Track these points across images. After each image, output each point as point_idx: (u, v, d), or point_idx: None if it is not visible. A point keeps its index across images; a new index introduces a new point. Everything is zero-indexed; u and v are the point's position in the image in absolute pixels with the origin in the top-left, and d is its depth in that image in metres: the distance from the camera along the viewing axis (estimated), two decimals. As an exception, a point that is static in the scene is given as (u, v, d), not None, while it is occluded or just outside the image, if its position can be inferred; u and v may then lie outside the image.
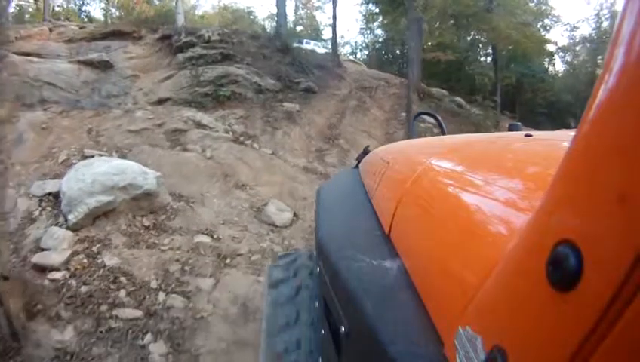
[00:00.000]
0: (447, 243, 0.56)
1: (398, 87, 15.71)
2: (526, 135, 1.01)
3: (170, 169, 5.61)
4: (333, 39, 21.40)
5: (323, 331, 0.98)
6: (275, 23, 16.91)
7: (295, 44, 16.53)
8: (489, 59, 22.16)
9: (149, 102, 9.40)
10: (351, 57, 27.59)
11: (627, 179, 0.23)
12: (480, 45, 21.76)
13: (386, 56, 32.79)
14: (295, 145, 8.71)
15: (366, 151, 1.90)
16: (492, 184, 0.62)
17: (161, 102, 9.64)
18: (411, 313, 0.56)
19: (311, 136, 9.88)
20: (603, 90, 0.26)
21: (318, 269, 1.03)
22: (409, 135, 2.00)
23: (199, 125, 8.17)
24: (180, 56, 12.15)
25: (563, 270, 0.27)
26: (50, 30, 12.24)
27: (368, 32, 36.67)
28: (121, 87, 9.85)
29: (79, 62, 9.69)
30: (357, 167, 1.78)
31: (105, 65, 9.98)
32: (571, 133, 0.27)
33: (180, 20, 16.54)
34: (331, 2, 18.87)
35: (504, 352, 0.32)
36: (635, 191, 0.23)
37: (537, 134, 1.01)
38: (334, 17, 19.92)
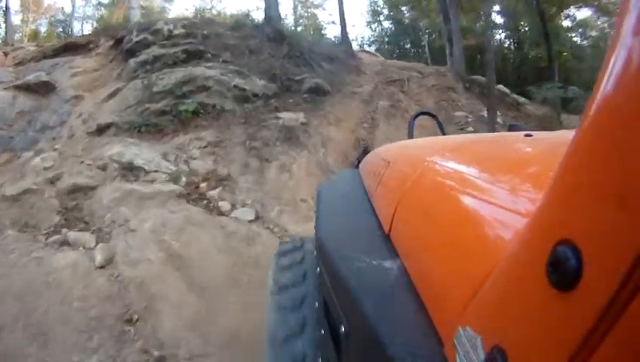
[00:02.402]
0: (447, 243, 0.58)
1: (435, 78, 12.54)
2: (526, 135, 1.03)
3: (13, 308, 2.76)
4: (342, 22, 17.12)
5: (323, 331, 0.98)
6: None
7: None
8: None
9: (88, 132, 7.10)
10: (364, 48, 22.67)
11: (627, 179, 0.24)
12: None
13: (400, 47, 32.05)
14: (301, 191, 5.64)
15: (366, 151, 1.93)
16: (492, 184, 0.62)
17: (101, 130, 7.17)
18: (411, 313, 0.57)
19: (328, 165, 6.69)
20: (603, 89, 0.27)
21: (318, 269, 1.06)
22: (409, 135, 2.30)
23: (127, 170, 5.42)
24: (132, 62, 9.38)
25: (563, 270, 0.27)
26: (6, 54, 10.55)
27: (376, 24, 35.03)
28: (60, 114, 7.57)
29: (15, 87, 7.58)
30: (357, 167, 1.81)
31: (45, 88, 7.93)
32: (571, 132, 0.32)
33: (135, 16, 14.14)
34: None
35: (504, 352, 0.34)
36: (635, 191, 0.24)
37: (537, 134, 1.04)
38: None
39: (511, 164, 0.74)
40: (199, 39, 9.67)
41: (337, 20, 18.05)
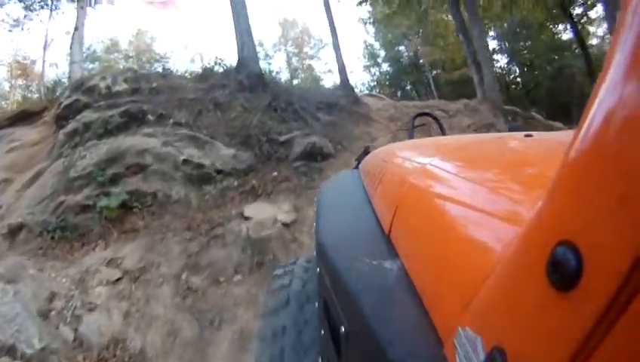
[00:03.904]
0: (446, 244, 0.61)
1: (467, 115, 10.60)
2: (526, 135, 1.12)
3: None
4: (339, 61, 14.52)
5: (323, 331, 1.05)
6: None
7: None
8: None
9: (1, 234, 5.57)
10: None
11: (627, 179, 0.25)
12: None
13: (402, 88, 31.79)
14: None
15: (366, 152, 1.99)
16: (492, 184, 0.69)
17: (13, 233, 5.56)
18: (411, 313, 0.60)
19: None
20: (603, 89, 0.28)
21: (318, 270, 1.14)
22: (409, 136, 2.49)
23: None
24: (61, 134, 7.48)
25: (563, 270, 0.28)
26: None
27: (374, 68, 35.37)
28: (-19, 207, 6.20)
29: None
30: (357, 167, 1.92)
31: (-27, 171, 6.61)
32: (571, 133, 0.34)
33: (76, 73, 11.39)
34: (329, 28, 14.89)
35: (504, 352, 0.35)
36: (635, 191, 0.24)
37: (537, 134, 1.11)
38: (333, 31, 14.51)
39: (511, 165, 0.80)
40: (145, 96, 7.73)
41: (334, 68, 15.76)
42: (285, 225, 4.69)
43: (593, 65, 16.48)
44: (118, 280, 4.41)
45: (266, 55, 35.90)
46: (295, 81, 27.76)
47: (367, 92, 22.48)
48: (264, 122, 7.42)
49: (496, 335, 0.37)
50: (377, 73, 34.83)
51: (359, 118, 9.33)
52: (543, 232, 0.33)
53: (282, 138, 7.12)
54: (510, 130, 2.01)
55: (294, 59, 38.22)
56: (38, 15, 17.18)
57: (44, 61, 18.80)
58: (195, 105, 7.61)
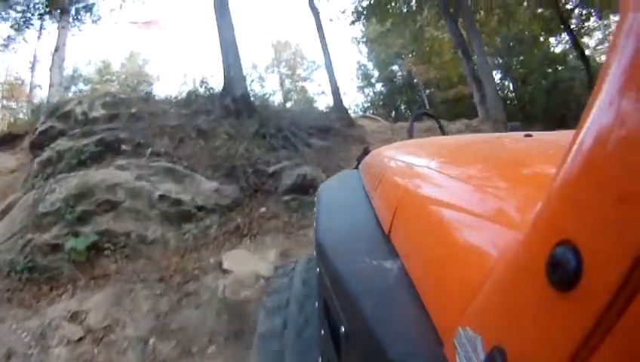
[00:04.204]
0: (446, 244, 0.62)
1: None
2: (526, 135, 1.13)
3: None
4: (332, 80, 14.40)
5: (323, 331, 1.07)
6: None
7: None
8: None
9: None
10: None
11: (627, 178, 0.26)
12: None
13: (397, 108, 31.81)
14: None
15: (366, 152, 2.06)
16: (492, 184, 0.71)
17: None
18: (411, 313, 0.61)
19: None
20: (603, 88, 0.29)
21: (318, 270, 1.17)
22: (408, 135, 2.48)
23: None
24: (35, 163, 6.93)
25: (563, 270, 0.29)
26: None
27: (368, 88, 35.50)
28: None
29: None
30: (357, 167, 2.00)
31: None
32: (571, 132, 0.34)
33: (54, 97, 11.03)
34: (322, 49, 14.89)
35: (504, 352, 0.35)
36: (635, 191, 0.25)
37: (537, 134, 1.12)
38: (326, 52, 14.47)
39: (511, 165, 0.82)
40: (124, 122, 7.06)
41: (327, 90, 15.23)
42: (269, 280, 4.03)
43: (594, 77, 16.55)
44: (80, 339, 3.91)
45: (260, 77, 37.31)
46: (288, 104, 28.59)
47: (361, 113, 22.46)
48: (251, 151, 6.97)
49: (496, 336, 0.38)
50: (371, 94, 35.77)
51: (354, 142, 9.00)
52: (542, 232, 0.34)
53: (271, 169, 6.64)
54: (510, 130, 1.97)
55: (287, 81, 39.22)
56: (23, 35, 16.84)
57: (31, 82, 18.41)
58: (176, 132, 7.32)
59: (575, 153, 0.31)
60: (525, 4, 18.24)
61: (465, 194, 0.69)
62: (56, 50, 14.39)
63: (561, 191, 0.32)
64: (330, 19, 25.54)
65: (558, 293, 0.29)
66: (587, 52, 23.53)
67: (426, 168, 0.93)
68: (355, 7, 17.62)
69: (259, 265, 4.64)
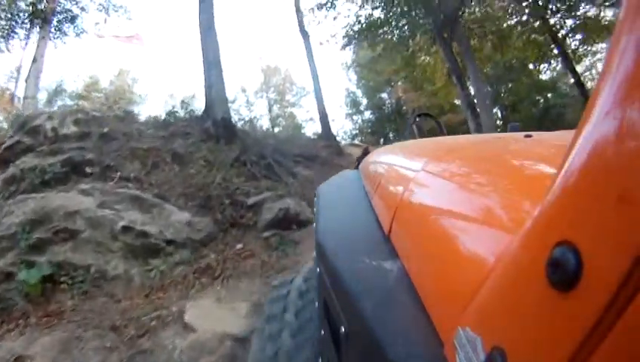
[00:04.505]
0: (446, 244, 0.63)
1: None
2: (526, 135, 1.13)
3: None
4: (322, 112, 15.15)
5: (323, 331, 1.11)
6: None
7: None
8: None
9: None
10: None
11: (627, 179, 0.26)
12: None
13: (385, 135, 31.45)
14: None
15: (366, 152, 2.26)
16: (492, 184, 0.71)
17: None
18: (411, 313, 0.62)
19: None
20: (603, 89, 0.30)
21: (318, 270, 1.19)
22: (409, 136, 2.70)
23: None
24: (0, 180, 6.37)
25: (563, 270, 0.29)
26: None
27: (356, 115, 36.33)
28: None
29: None
30: (357, 167, 2.04)
31: None
32: (571, 133, 0.36)
33: (28, 110, 10.23)
34: (311, 76, 15.77)
35: (504, 353, 0.36)
36: (635, 191, 0.25)
37: (537, 134, 1.15)
38: (315, 79, 15.37)
39: (510, 165, 0.83)
40: (94, 142, 6.52)
41: (316, 116, 15.17)
42: (239, 340, 3.37)
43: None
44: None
45: (247, 101, 38.20)
46: (276, 129, 29.48)
47: (349, 140, 22.31)
48: (229, 179, 6.52)
49: (496, 336, 0.38)
50: (360, 121, 36.90)
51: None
52: (542, 232, 0.35)
53: (250, 200, 6.12)
54: (510, 130, 1.85)
55: (276, 107, 39.96)
56: (7, 44, 16.44)
57: (12, 93, 17.91)
58: (149, 156, 6.97)
59: (575, 153, 0.32)
60: (519, 28, 18.35)
61: (465, 194, 0.71)
62: (34, 61, 14.23)
63: (561, 191, 0.33)
64: (321, 43, 25.81)
65: (558, 293, 0.29)
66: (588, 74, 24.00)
67: (425, 169, 0.95)
68: (347, 31, 17.49)
69: (226, 321, 3.96)
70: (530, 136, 1.10)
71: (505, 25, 18.84)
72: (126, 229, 5.23)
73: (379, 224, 1.01)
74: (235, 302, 4.41)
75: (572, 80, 20.18)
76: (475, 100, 13.98)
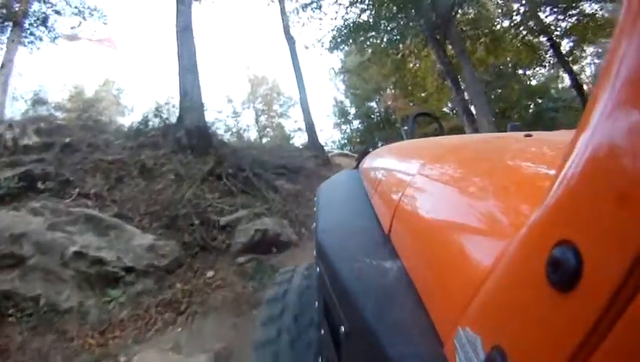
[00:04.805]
0: (446, 244, 0.64)
1: None
2: (526, 135, 1.16)
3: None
4: (308, 121, 14.19)
5: (323, 331, 1.15)
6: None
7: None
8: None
9: None
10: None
11: (627, 178, 0.26)
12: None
13: (374, 145, 28.82)
14: None
15: (366, 152, 2.17)
16: (492, 184, 0.71)
17: None
18: (411, 313, 0.63)
19: None
20: (603, 89, 0.30)
21: (318, 269, 1.20)
22: (408, 135, 2.69)
23: None
24: None
25: (563, 270, 0.30)
26: None
27: (345, 125, 36.89)
28: None
29: None
30: (357, 167, 2.06)
31: None
32: (571, 132, 0.37)
33: None
34: (296, 81, 14.82)
35: (503, 353, 0.36)
36: (634, 191, 0.26)
37: (537, 134, 1.17)
38: (302, 88, 14.33)
39: (510, 165, 0.84)
40: (55, 154, 5.71)
41: (304, 126, 14.31)
42: None
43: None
44: None
45: (234, 112, 38.71)
46: (264, 140, 29.95)
47: (338, 150, 21.91)
48: (201, 195, 5.95)
49: (496, 336, 0.39)
50: (349, 130, 37.74)
51: None
52: (542, 232, 0.36)
53: (224, 219, 5.49)
54: (510, 130, 1.83)
55: (263, 117, 40.55)
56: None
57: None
58: (114, 169, 6.57)
59: (575, 153, 0.32)
60: (512, 31, 18.11)
61: (465, 194, 0.73)
62: (2, 66, 13.33)
63: (561, 191, 0.34)
64: (306, 47, 24.67)
65: (557, 293, 0.30)
66: (568, 81, 24.14)
67: (425, 168, 0.98)
68: (333, 35, 16.56)
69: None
70: (530, 135, 1.12)
71: (499, 26, 18.59)
72: (78, 255, 4.64)
73: (379, 223, 1.03)
74: (194, 354, 3.82)
75: (560, 85, 20.07)
76: (472, 105, 13.39)
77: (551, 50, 19.34)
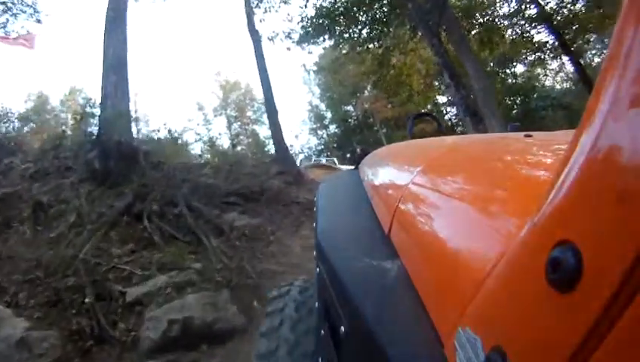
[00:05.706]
0: (446, 244, 0.69)
1: None
2: (526, 135, 1.22)
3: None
4: (275, 129, 12.65)
5: (323, 331, 1.16)
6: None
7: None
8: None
9: None
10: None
11: (627, 179, 0.28)
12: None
13: (352, 150, 30.25)
14: None
15: (366, 152, 2.23)
16: (492, 184, 0.74)
17: None
18: (411, 313, 0.66)
19: None
20: (604, 88, 0.32)
21: (318, 269, 1.28)
22: (408, 135, 2.67)
23: None
24: None
25: (562, 270, 0.31)
26: None
27: (321, 130, 35.66)
28: None
29: None
30: (357, 167, 2.20)
31: None
32: (571, 133, 0.39)
33: None
34: (260, 81, 13.07)
35: (504, 353, 0.38)
36: (634, 191, 0.27)
37: (537, 134, 1.24)
38: (264, 79, 12.66)
39: (510, 165, 0.89)
40: None
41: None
42: None
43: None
44: None
45: (205, 120, 38.58)
46: (238, 148, 29.53)
47: (314, 158, 20.78)
48: (104, 250, 4.11)
49: (496, 336, 0.41)
50: (325, 135, 37.50)
51: (300, 214, 5.83)
52: (542, 232, 0.37)
53: (132, 292, 3.46)
54: (510, 130, 1.93)
55: (236, 124, 39.59)
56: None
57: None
58: (2, 209, 4.39)
59: (575, 153, 0.33)
60: (509, 21, 17.84)
61: (465, 194, 0.76)
62: None
63: (561, 191, 0.35)
64: (269, 38, 19.91)
65: (557, 293, 0.31)
66: (563, 74, 23.41)
67: (425, 168, 1.03)
68: (303, 25, 14.81)
69: None
70: (530, 136, 1.17)
71: (495, 15, 18.18)
72: None
73: (379, 224, 1.08)
74: None
75: (547, 83, 19.30)
76: (479, 102, 11.50)
77: (550, 42, 18.89)
